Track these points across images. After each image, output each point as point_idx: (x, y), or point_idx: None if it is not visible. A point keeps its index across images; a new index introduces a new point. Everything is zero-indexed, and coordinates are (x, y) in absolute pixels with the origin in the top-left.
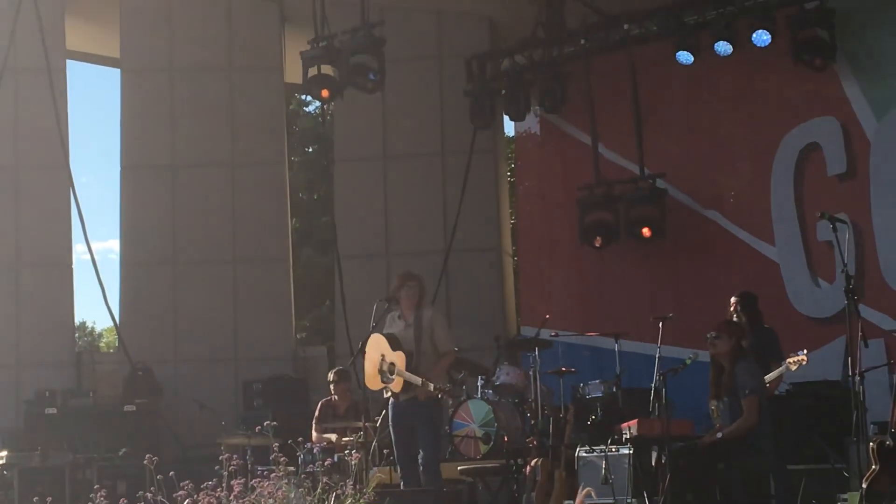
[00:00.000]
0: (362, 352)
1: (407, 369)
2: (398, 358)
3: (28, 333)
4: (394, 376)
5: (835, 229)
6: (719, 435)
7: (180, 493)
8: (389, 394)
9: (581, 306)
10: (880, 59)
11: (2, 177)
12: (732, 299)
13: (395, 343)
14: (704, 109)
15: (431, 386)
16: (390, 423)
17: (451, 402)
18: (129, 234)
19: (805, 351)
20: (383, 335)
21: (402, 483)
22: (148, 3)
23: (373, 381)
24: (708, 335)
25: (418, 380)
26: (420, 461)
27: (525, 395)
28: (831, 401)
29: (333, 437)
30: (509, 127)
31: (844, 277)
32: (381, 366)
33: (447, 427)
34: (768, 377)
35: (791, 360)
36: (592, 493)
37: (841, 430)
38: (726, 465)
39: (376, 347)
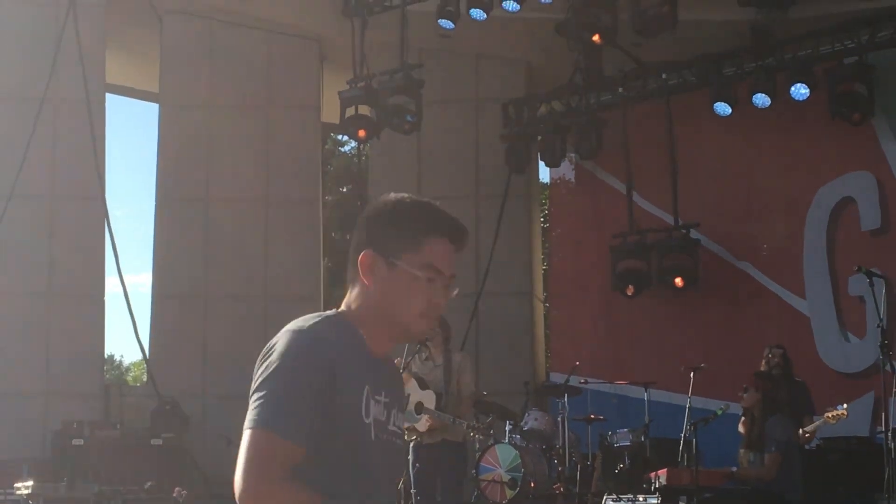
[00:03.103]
0: None
1: (436, 409)
2: (427, 397)
3: (57, 364)
4: (420, 416)
5: (871, 283)
6: (734, 469)
7: None
8: (415, 437)
9: (611, 354)
10: None
11: (37, 207)
12: (769, 352)
13: (422, 383)
14: (740, 161)
15: (465, 425)
16: (411, 465)
17: (477, 447)
18: (161, 267)
19: (845, 405)
20: (412, 375)
21: None
22: (188, 39)
23: None
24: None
25: (449, 418)
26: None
27: (553, 441)
28: (861, 456)
29: None
30: (544, 173)
31: (880, 332)
32: (406, 406)
33: (473, 471)
34: (807, 429)
35: (830, 413)
36: None
37: (870, 486)
38: None
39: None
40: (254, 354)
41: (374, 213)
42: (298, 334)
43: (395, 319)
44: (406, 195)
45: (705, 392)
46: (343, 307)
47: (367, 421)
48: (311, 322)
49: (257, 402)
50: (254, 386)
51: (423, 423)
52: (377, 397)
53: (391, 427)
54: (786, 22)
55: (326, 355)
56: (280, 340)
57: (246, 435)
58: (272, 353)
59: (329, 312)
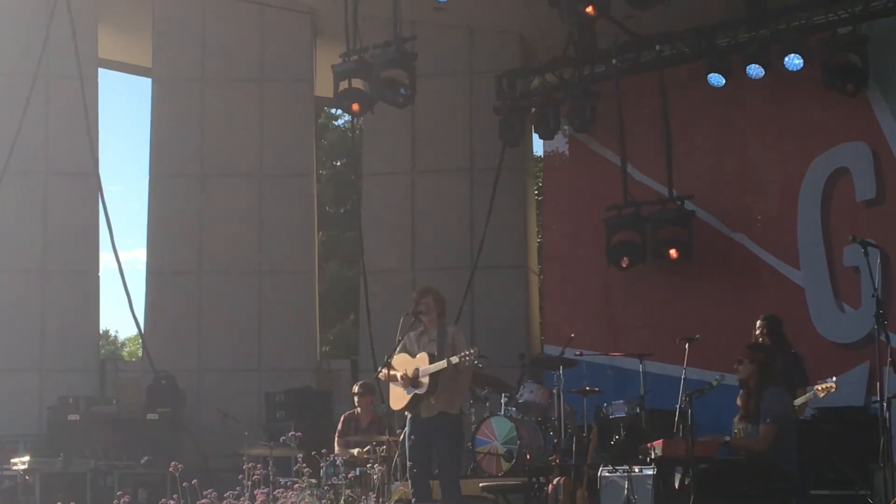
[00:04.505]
0: (388, 364)
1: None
2: (420, 360)
3: (52, 340)
4: (420, 384)
5: (866, 253)
6: (727, 438)
7: (203, 501)
8: (409, 414)
9: (606, 326)
10: None
11: (31, 183)
12: (758, 322)
13: (410, 353)
14: (734, 132)
15: (456, 359)
16: (407, 437)
17: (473, 419)
18: (155, 243)
19: (834, 378)
20: (401, 352)
21: (413, 499)
22: (180, 13)
23: (398, 402)
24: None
25: (443, 363)
26: (437, 477)
27: (548, 413)
28: (856, 427)
29: (355, 452)
30: (538, 145)
31: (875, 302)
32: (403, 382)
33: (469, 443)
34: (797, 401)
35: (820, 386)
36: None
37: (866, 456)
38: (749, 489)
39: (399, 366)
40: (248, 328)
41: None
42: None
43: None
44: None
45: (700, 363)
46: None
47: None
48: None
49: None
50: None
51: (423, 387)
52: None
53: None
54: None
55: None
56: None
57: None
58: None
59: None
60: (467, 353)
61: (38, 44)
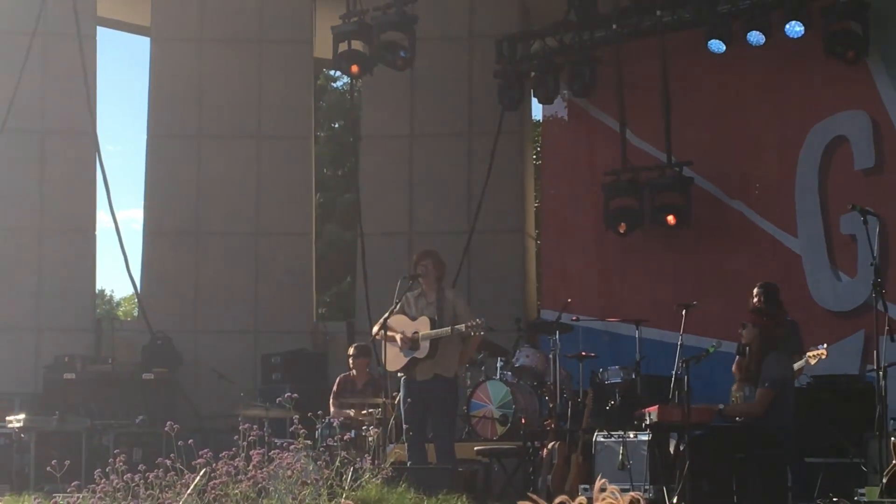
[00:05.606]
0: (384, 326)
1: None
2: (421, 324)
3: (48, 299)
4: (419, 347)
5: (865, 222)
6: (721, 406)
7: (199, 461)
8: (403, 375)
9: (602, 292)
10: None
11: (28, 142)
12: (755, 290)
13: (410, 315)
14: (734, 99)
15: (462, 327)
16: (402, 400)
17: (469, 382)
18: (153, 203)
19: (825, 345)
20: (401, 313)
21: (408, 461)
22: None
23: (394, 363)
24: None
25: (447, 330)
26: (432, 440)
27: (544, 378)
28: (851, 394)
29: (351, 412)
30: (537, 110)
31: (873, 270)
32: (402, 344)
33: (465, 407)
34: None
35: (811, 353)
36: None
37: (860, 424)
38: (744, 455)
39: (397, 327)
40: (245, 290)
41: None
42: None
43: None
44: None
45: (697, 330)
46: None
47: None
48: None
49: None
50: None
51: (422, 349)
52: None
53: None
54: None
55: None
56: None
57: None
58: None
59: None
60: (473, 322)
61: (35, 1)
